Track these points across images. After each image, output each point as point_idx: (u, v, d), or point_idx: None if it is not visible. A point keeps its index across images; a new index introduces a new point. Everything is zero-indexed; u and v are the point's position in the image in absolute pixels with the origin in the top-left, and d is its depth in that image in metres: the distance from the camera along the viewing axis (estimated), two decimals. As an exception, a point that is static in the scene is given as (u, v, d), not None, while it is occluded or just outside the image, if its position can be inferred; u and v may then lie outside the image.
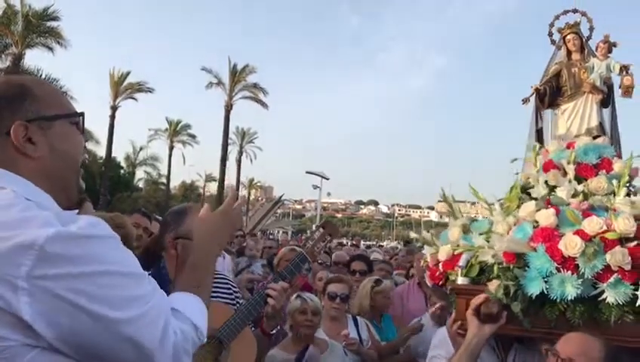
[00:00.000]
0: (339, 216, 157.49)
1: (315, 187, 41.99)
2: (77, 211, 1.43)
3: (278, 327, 3.18)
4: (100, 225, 1.28)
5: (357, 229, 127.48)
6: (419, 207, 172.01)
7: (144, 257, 3.67)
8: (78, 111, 1.51)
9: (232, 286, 3.07)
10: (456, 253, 2.91)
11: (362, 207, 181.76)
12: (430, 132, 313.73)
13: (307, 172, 40.64)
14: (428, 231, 3.45)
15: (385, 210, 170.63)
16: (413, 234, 3.48)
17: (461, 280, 2.78)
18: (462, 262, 2.78)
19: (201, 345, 2.55)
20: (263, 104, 46.75)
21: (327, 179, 42.27)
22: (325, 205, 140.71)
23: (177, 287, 1.60)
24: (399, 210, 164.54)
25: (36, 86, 1.44)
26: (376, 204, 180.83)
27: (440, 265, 3.03)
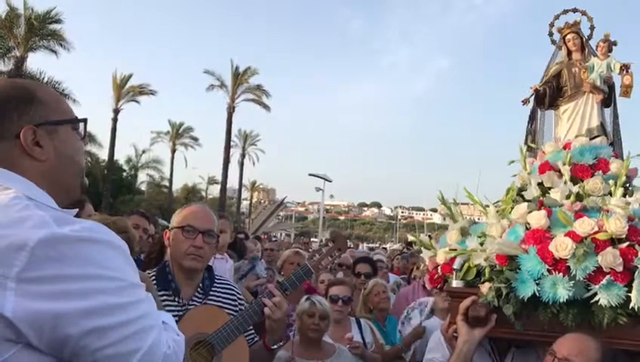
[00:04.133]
0: (342, 218, 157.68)
1: (318, 189, 42.03)
2: (77, 210, 1.48)
3: (281, 343, 3.12)
4: (97, 229, 1.30)
5: (360, 231, 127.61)
6: (422, 209, 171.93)
7: (149, 258, 3.67)
8: (81, 116, 1.57)
9: (236, 293, 3.03)
10: (450, 256, 2.90)
11: (365, 209, 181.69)
12: (433, 134, 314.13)
13: (310, 174, 40.65)
14: (427, 234, 3.43)
15: (388, 212, 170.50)
16: (411, 238, 3.44)
17: (455, 283, 2.77)
18: (456, 265, 2.77)
19: (195, 349, 2.54)
20: (266, 106, 46.93)
21: (330, 181, 42.30)
22: (328, 207, 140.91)
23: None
24: (402, 212, 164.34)
25: (41, 90, 1.49)
26: (379, 206, 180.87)
27: (439, 268, 3.01)
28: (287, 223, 66.80)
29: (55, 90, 1.61)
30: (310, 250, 11.02)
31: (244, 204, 69.16)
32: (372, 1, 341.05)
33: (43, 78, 27.38)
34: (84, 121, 1.56)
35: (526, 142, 3.97)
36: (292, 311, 3.90)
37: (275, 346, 2.95)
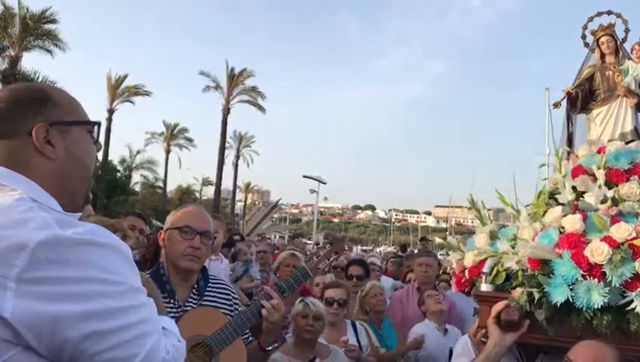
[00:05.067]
0: (336, 220, 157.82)
1: (312, 191, 41.90)
2: (80, 214, 1.48)
3: (276, 344, 3.13)
4: (100, 232, 1.29)
5: (354, 234, 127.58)
6: (416, 212, 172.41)
7: (144, 259, 3.66)
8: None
9: (231, 293, 3.03)
10: (479, 259, 2.85)
11: (359, 211, 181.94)
12: (428, 137, 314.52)
13: (304, 176, 40.55)
14: (455, 236, 3.37)
15: (382, 214, 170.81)
16: (438, 240, 3.39)
17: (484, 287, 2.70)
18: (486, 268, 2.71)
19: (192, 351, 2.55)
20: (261, 108, 46.91)
21: (325, 183, 42.18)
22: (322, 209, 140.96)
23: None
24: (396, 215, 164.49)
25: (55, 92, 1.50)
26: (373, 208, 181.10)
27: (466, 271, 2.96)
28: (281, 225, 66.73)
29: (70, 94, 1.57)
30: (307, 252, 10.99)
31: (239, 205, 68.92)
32: (369, 5, 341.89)
33: (37, 78, 27.30)
34: (98, 124, 1.57)
35: (568, 145, 3.92)
36: (287, 314, 3.91)
37: (270, 347, 2.97)
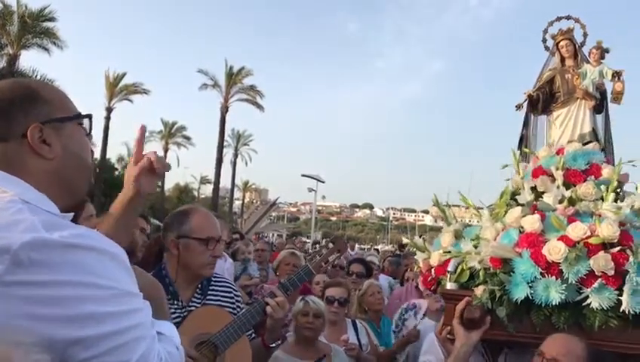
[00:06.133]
0: (334, 219, 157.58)
1: (311, 190, 41.92)
2: (72, 215, 1.43)
3: (279, 341, 3.17)
4: (88, 235, 1.26)
5: (352, 232, 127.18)
6: (414, 211, 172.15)
7: (146, 259, 3.67)
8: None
9: (233, 290, 3.06)
10: (444, 258, 2.94)
11: (357, 210, 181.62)
12: (426, 136, 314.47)
13: (302, 175, 40.56)
14: (421, 236, 3.47)
15: (380, 213, 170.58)
16: (405, 240, 3.49)
17: (449, 286, 2.80)
18: (450, 267, 2.81)
19: (198, 349, 2.57)
20: (259, 106, 46.81)
21: (323, 182, 42.21)
22: (320, 208, 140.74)
23: None
24: (394, 214, 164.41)
25: (44, 88, 1.47)
26: (371, 207, 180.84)
27: (432, 270, 3.05)
28: (279, 224, 66.66)
29: (57, 87, 1.56)
30: (310, 251, 11.00)
31: (237, 204, 68.89)
32: (367, 4, 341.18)
33: (36, 76, 27.11)
34: (90, 116, 1.54)
35: (520, 147, 4.01)
36: (287, 312, 3.95)
37: (274, 344, 3.01)
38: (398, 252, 14.30)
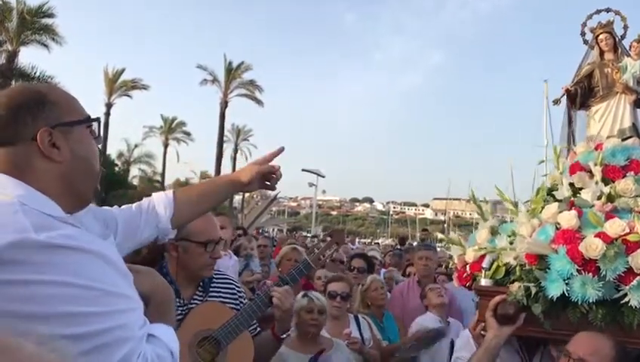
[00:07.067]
0: (334, 213, 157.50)
1: (311, 185, 42.08)
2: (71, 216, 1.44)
3: (289, 332, 3.17)
4: (76, 236, 1.27)
5: (352, 227, 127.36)
6: (414, 205, 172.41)
7: (147, 258, 3.66)
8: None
9: (236, 287, 3.06)
10: (479, 254, 2.91)
11: (357, 204, 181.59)
12: (426, 129, 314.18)
13: (303, 170, 40.65)
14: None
15: (380, 207, 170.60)
16: (440, 235, 3.45)
17: (484, 282, 2.78)
18: (485, 263, 2.78)
19: (200, 345, 2.58)
20: (259, 101, 46.79)
21: (323, 176, 42.36)
22: (320, 203, 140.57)
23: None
24: (394, 208, 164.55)
25: (52, 92, 1.49)
26: (371, 201, 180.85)
27: (467, 266, 3.02)
28: (279, 218, 66.65)
29: (66, 90, 1.57)
30: (309, 246, 10.99)
31: (237, 199, 68.87)
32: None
33: (35, 73, 27.12)
34: (98, 120, 1.57)
35: (567, 143, 3.97)
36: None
37: (284, 336, 3.01)
38: (398, 246, 14.34)
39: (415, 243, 15.19)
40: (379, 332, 4.77)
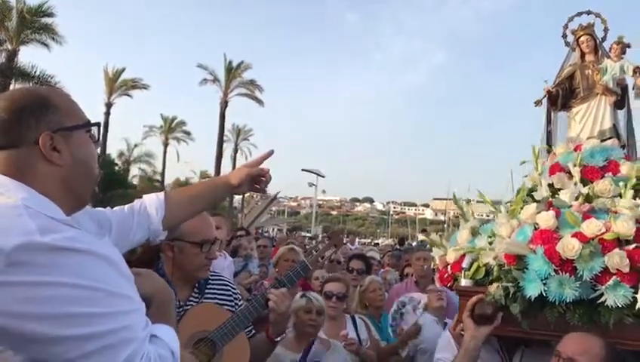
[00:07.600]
0: (334, 213, 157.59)
1: (311, 184, 42.11)
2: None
3: (284, 335, 3.16)
4: (80, 238, 1.29)
5: (352, 226, 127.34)
6: (414, 205, 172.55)
7: (142, 258, 3.65)
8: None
9: (231, 288, 3.04)
10: (459, 254, 2.93)
11: (357, 204, 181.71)
12: (427, 129, 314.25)
13: (303, 169, 40.71)
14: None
15: (380, 207, 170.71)
16: (421, 236, 3.49)
17: (464, 282, 2.79)
18: (465, 263, 2.80)
19: (196, 346, 2.57)
20: (259, 101, 46.74)
21: (323, 176, 42.39)
22: (320, 202, 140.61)
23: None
24: (394, 208, 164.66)
25: (54, 96, 1.51)
26: (371, 201, 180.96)
27: (449, 267, 3.04)
28: (279, 218, 66.65)
29: (67, 94, 1.60)
30: (308, 247, 11.02)
31: (237, 198, 68.89)
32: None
33: (35, 72, 27.12)
34: (98, 124, 1.59)
35: (547, 143, 3.99)
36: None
37: (278, 339, 2.99)
38: (397, 247, 14.37)
39: (415, 244, 15.21)
40: (377, 333, 4.76)
